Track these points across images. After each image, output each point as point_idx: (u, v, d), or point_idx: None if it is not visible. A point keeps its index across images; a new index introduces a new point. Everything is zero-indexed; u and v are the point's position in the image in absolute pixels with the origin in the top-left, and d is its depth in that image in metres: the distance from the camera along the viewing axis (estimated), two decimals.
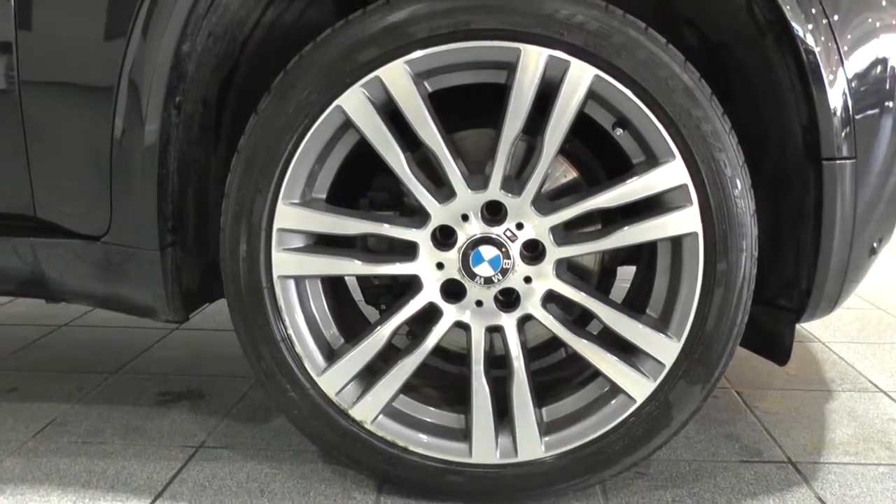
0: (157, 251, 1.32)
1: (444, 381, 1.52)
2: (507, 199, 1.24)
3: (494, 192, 1.24)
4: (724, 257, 1.21)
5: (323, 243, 1.34)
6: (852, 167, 1.21)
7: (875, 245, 1.34)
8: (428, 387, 1.46)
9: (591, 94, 1.20)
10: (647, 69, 1.17)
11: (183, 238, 1.38)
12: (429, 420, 1.39)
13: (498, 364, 1.37)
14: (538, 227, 1.25)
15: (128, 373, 2.02)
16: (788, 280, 1.35)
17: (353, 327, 1.44)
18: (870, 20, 1.22)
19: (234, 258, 1.29)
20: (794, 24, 1.16)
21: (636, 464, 1.34)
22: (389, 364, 1.32)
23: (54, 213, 1.36)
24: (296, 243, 1.30)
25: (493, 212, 1.26)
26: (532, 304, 1.28)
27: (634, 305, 1.41)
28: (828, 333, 2.37)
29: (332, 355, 1.35)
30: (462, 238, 1.26)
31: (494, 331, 1.31)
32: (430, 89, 1.25)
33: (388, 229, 1.28)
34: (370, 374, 1.35)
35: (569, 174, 1.42)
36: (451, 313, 1.30)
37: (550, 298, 1.29)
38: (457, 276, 1.28)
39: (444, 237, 1.28)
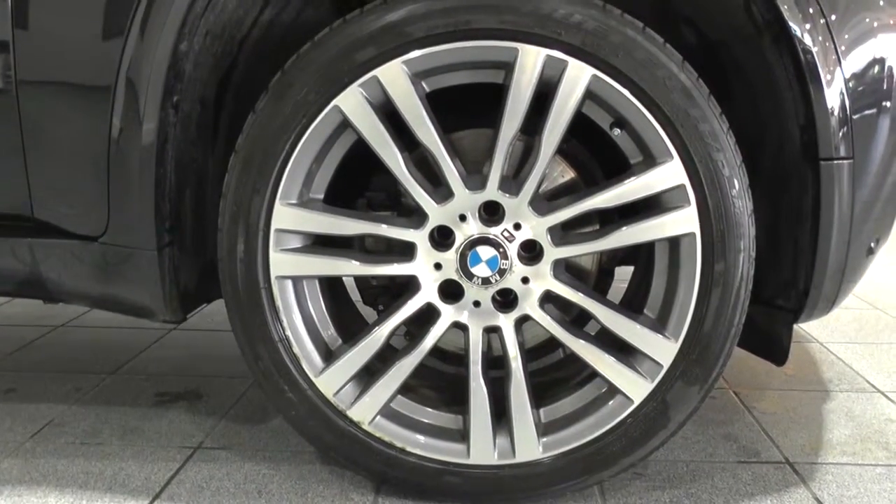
0: (154, 251, 1.32)
1: (441, 381, 1.51)
2: (504, 200, 1.24)
3: (492, 192, 1.24)
4: (722, 257, 1.21)
5: (321, 244, 1.34)
6: (850, 167, 1.21)
7: (872, 245, 1.34)
8: (426, 387, 1.46)
9: (589, 94, 1.20)
10: (644, 69, 1.16)
11: (180, 238, 1.38)
12: (426, 421, 1.39)
13: (496, 365, 1.37)
14: (536, 227, 1.25)
15: (126, 373, 2.02)
16: (786, 280, 1.34)
17: (351, 328, 1.44)
18: (867, 20, 1.22)
19: (232, 258, 1.29)
20: (791, 23, 1.16)
21: (634, 464, 1.33)
22: (387, 365, 1.32)
23: (52, 214, 1.36)
24: (293, 244, 1.30)
25: (491, 212, 1.26)
26: (530, 305, 1.28)
27: (632, 306, 1.41)
28: (825, 334, 2.37)
29: (329, 356, 1.35)
30: (460, 238, 1.26)
31: (492, 331, 1.31)
32: (427, 89, 1.25)
33: (385, 230, 1.28)
34: (368, 375, 1.34)
35: (566, 174, 1.42)
36: (448, 314, 1.30)
37: (548, 299, 1.29)
38: (454, 277, 1.28)
39: (441, 237, 1.28)
